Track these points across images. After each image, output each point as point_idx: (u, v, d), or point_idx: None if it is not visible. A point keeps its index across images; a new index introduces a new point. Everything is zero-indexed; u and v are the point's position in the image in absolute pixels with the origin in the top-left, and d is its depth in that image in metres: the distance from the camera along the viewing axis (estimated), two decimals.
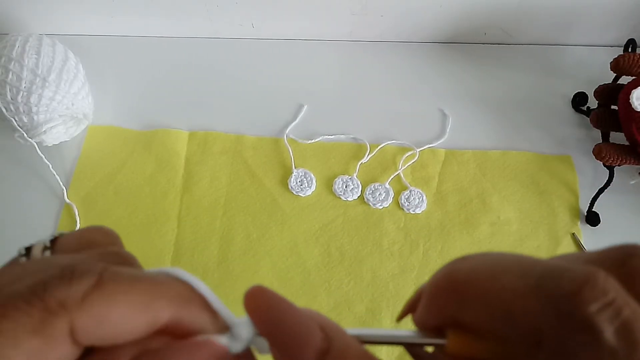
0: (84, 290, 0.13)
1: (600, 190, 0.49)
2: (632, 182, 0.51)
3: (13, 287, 0.14)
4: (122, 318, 0.14)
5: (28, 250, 0.17)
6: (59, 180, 0.51)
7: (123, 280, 0.14)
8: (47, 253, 0.17)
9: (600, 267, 0.12)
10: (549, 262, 0.13)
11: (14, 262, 0.17)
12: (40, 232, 0.49)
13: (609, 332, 0.10)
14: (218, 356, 0.15)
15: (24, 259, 0.17)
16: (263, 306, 0.15)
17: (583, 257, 0.14)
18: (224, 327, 0.16)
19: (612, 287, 0.11)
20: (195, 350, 0.14)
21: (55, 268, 0.14)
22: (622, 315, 0.10)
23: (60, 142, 0.52)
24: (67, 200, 0.50)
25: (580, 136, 0.54)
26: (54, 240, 0.18)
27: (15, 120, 0.48)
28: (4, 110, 0.48)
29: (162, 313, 0.14)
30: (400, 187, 0.51)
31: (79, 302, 0.13)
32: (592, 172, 0.52)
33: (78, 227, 0.49)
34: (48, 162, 0.51)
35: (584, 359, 0.10)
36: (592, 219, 0.49)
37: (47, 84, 0.48)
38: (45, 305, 0.13)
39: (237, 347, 0.16)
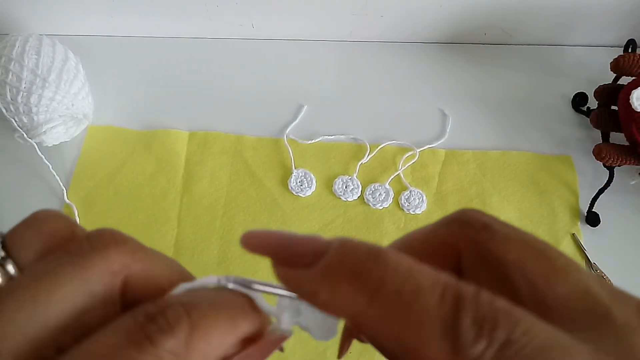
0: (185, 335, 0.13)
1: (600, 191, 0.49)
2: (632, 182, 0.51)
3: (106, 335, 0.13)
4: (219, 348, 0.14)
5: None
6: (59, 180, 0.51)
7: (208, 313, 0.14)
8: (8, 264, 0.15)
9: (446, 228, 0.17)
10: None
11: None
12: None
13: (494, 223, 0.16)
14: (279, 342, 0.16)
15: None
16: (264, 238, 0.16)
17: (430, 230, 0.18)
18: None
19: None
20: (268, 346, 0.16)
21: (117, 311, 0.15)
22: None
23: (60, 143, 0.52)
24: (67, 200, 0.50)
25: (580, 136, 0.54)
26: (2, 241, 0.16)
27: (15, 121, 0.48)
28: (4, 110, 0.48)
29: (243, 329, 0.15)
30: (400, 188, 0.51)
31: (185, 347, 0.13)
32: (592, 173, 0.52)
33: None
34: (48, 163, 0.51)
35: (490, 247, 0.15)
36: (592, 219, 0.49)
37: (47, 84, 0.48)
38: (160, 358, 0.13)
39: (287, 331, 0.17)
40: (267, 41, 0.61)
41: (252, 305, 0.16)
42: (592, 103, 0.54)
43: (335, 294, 0.14)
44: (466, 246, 0.16)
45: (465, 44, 0.61)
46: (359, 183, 0.51)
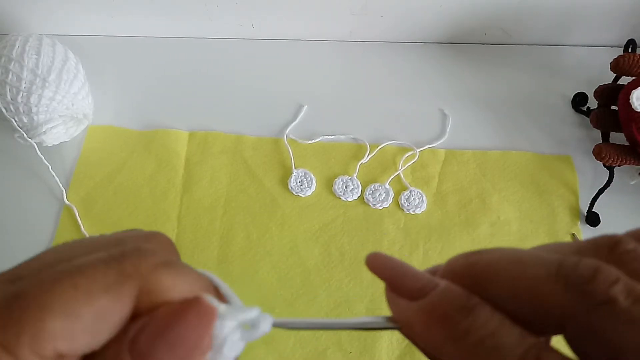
0: (155, 263, 0.15)
1: (600, 191, 0.49)
2: (632, 182, 0.51)
3: (92, 255, 0.15)
4: (178, 291, 0.15)
5: None
6: (58, 181, 0.51)
7: (181, 264, 0.16)
8: None
9: (593, 254, 0.15)
10: (560, 254, 0.15)
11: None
12: (40, 232, 0.49)
13: (622, 299, 0.13)
14: (208, 314, 0.16)
15: None
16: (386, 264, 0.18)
17: (575, 246, 0.16)
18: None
19: (616, 271, 0.14)
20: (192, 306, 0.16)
21: (131, 243, 0.16)
22: (628, 286, 0.14)
23: (60, 143, 0.52)
24: (67, 202, 0.50)
25: (580, 136, 0.54)
26: None
27: (15, 121, 0.48)
28: (3, 110, 0.48)
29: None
30: (400, 188, 0.51)
31: (151, 271, 0.15)
32: (592, 172, 0.52)
33: (81, 227, 0.49)
34: (48, 163, 0.51)
35: (606, 327, 0.13)
36: (592, 219, 0.49)
37: (47, 84, 0.48)
38: (122, 268, 0.15)
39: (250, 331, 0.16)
40: (267, 41, 0.61)
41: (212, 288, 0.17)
42: (592, 103, 0.54)
43: (427, 330, 0.16)
44: (575, 314, 0.14)
45: (465, 44, 0.61)
46: (359, 183, 0.51)
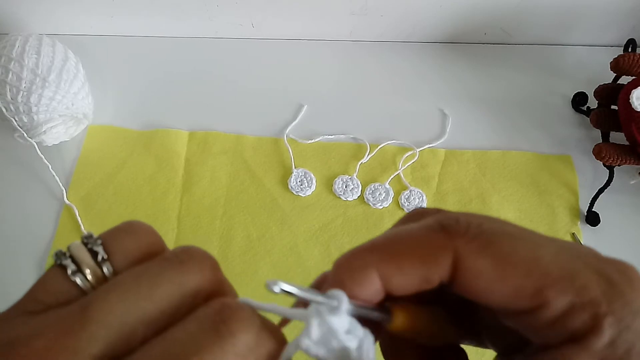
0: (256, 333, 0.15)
1: (600, 190, 0.49)
2: (632, 182, 0.51)
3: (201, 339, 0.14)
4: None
5: (74, 260, 0.16)
6: (59, 181, 0.51)
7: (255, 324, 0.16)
8: (105, 265, 0.16)
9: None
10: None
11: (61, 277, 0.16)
12: (40, 232, 0.49)
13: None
14: None
15: (70, 264, 0.16)
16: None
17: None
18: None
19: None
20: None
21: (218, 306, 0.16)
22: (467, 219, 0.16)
23: (60, 142, 0.52)
24: (67, 201, 0.50)
25: (580, 136, 0.54)
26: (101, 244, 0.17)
27: (15, 120, 0.48)
28: (3, 110, 0.48)
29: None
30: (400, 187, 0.51)
31: (256, 345, 0.15)
32: (592, 172, 0.52)
33: (82, 226, 0.49)
34: (48, 163, 0.51)
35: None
36: (592, 219, 0.49)
37: (47, 83, 0.48)
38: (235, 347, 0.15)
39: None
40: (267, 41, 0.61)
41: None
42: (592, 103, 0.54)
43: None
44: (459, 249, 0.16)
45: (465, 44, 0.61)
46: (359, 183, 0.51)
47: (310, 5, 0.56)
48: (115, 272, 0.16)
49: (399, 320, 0.17)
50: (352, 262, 0.16)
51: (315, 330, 0.15)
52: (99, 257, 0.16)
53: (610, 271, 0.15)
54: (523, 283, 0.14)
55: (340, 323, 0.15)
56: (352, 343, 0.15)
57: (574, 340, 0.14)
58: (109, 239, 0.17)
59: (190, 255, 0.16)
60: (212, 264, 0.17)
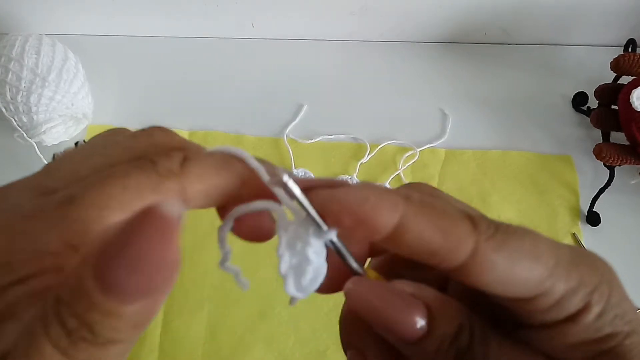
0: (179, 160, 0.17)
1: (601, 190, 0.49)
2: (633, 182, 0.51)
3: (128, 163, 0.17)
4: (212, 175, 0.17)
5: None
6: None
7: (202, 152, 0.18)
8: None
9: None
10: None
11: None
12: None
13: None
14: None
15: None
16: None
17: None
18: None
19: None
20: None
21: (151, 148, 0.18)
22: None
23: (60, 142, 0.52)
24: None
25: (581, 136, 0.54)
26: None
27: (15, 120, 0.48)
28: (3, 110, 0.48)
29: (236, 174, 0.18)
30: None
31: (181, 169, 0.17)
32: (593, 172, 0.51)
33: None
34: (47, 163, 0.50)
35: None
36: (593, 219, 0.49)
37: (46, 83, 0.48)
38: (158, 171, 0.16)
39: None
40: (267, 40, 0.61)
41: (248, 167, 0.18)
42: (593, 102, 0.53)
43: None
44: (479, 242, 0.17)
45: (465, 44, 0.60)
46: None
47: (310, 5, 0.56)
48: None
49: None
50: (384, 192, 0.17)
51: (293, 232, 0.17)
52: None
53: (588, 258, 0.17)
54: (529, 275, 0.16)
55: (317, 243, 0.17)
56: (313, 258, 0.17)
57: (569, 319, 0.16)
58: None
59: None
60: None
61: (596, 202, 0.49)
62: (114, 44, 0.61)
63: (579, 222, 0.49)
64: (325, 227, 0.17)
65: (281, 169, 0.17)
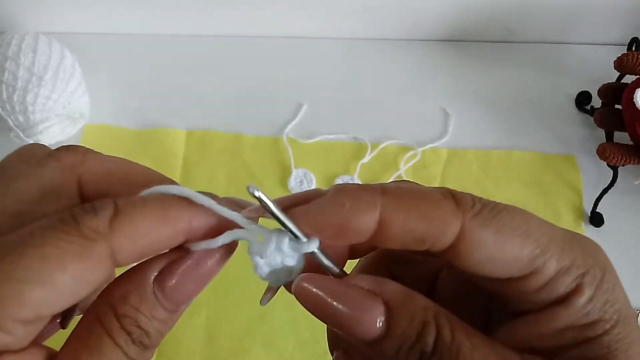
0: (109, 216, 0.16)
1: (605, 191, 0.48)
2: (637, 182, 0.50)
3: (42, 221, 0.16)
4: (148, 232, 0.16)
5: None
6: None
7: (137, 203, 0.16)
8: None
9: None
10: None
11: None
12: None
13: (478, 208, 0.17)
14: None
15: None
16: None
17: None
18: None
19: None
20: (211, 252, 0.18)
21: (74, 203, 0.18)
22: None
23: (57, 142, 0.51)
24: None
25: (584, 136, 0.53)
26: None
27: (11, 120, 0.48)
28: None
29: (179, 223, 0.17)
30: None
31: (109, 227, 0.15)
32: (596, 172, 0.51)
33: None
34: None
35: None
36: (596, 219, 0.48)
37: (43, 82, 0.47)
38: (82, 233, 0.15)
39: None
40: (266, 39, 0.60)
41: (194, 205, 0.17)
42: (596, 102, 0.53)
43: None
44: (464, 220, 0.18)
45: (468, 42, 0.60)
46: (360, 183, 0.50)
47: (310, 3, 0.56)
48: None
49: None
50: (359, 192, 0.16)
51: (273, 247, 0.17)
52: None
53: (582, 241, 0.17)
54: (520, 252, 0.16)
55: (296, 254, 0.18)
56: (292, 264, 0.18)
57: (559, 302, 0.16)
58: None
59: (54, 151, 0.19)
60: (77, 150, 0.18)
61: (600, 203, 0.48)
62: (111, 43, 0.60)
63: (582, 223, 0.49)
64: (304, 239, 0.17)
65: (252, 187, 0.17)
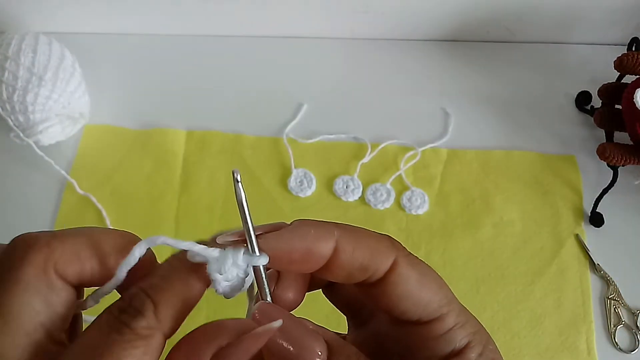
0: (152, 310, 0.18)
1: (605, 191, 0.48)
2: (637, 182, 0.50)
3: (97, 336, 0.18)
4: (180, 305, 0.19)
5: None
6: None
7: (163, 286, 0.19)
8: None
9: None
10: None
11: None
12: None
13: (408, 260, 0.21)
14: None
15: None
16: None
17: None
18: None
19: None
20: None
21: (116, 311, 0.18)
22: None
23: (57, 142, 0.51)
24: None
25: (584, 136, 0.53)
26: None
27: (11, 120, 0.48)
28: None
29: (196, 287, 0.20)
30: (401, 188, 0.50)
31: (156, 320, 0.18)
32: (596, 172, 0.51)
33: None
34: (50, 160, 0.50)
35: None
36: (596, 219, 0.48)
37: (43, 82, 0.47)
38: (140, 335, 0.18)
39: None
40: (266, 39, 0.60)
41: (194, 266, 0.19)
42: (596, 102, 0.53)
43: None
44: (398, 257, 0.21)
45: (468, 42, 0.60)
46: (360, 183, 0.50)
47: (311, 3, 0.56)
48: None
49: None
50: (320, 223, 0.20)
51: (229, 265, 0.19)
52: None
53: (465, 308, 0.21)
54: (433, 297, 0.19)
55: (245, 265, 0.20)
56: (243, 276, 0.20)
57: (455, 355, 0.19)
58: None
59: (14, 253, 0.19)
60: (38, 244, 0.19)
61: (600, 203, 0.48)
62: (111, 43, 0.60)
63: (583, 223, 0.48)
64: (257, 252, 0.19)
65: (236, 171, 0.19)
